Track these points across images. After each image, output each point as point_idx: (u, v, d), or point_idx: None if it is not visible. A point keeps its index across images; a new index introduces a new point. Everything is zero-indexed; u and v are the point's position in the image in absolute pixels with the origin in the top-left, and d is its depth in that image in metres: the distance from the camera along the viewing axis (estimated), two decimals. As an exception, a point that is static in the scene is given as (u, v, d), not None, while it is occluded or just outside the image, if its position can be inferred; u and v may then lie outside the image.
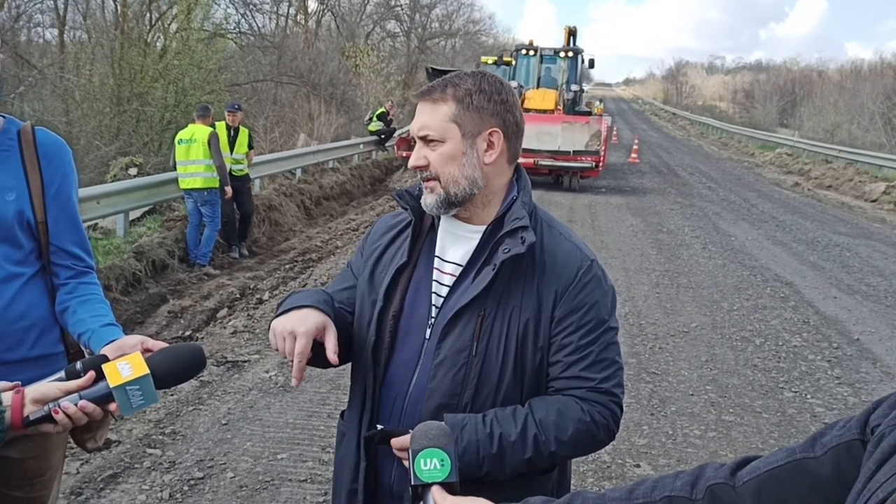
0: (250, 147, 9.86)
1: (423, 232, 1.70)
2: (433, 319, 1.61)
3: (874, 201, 17.36)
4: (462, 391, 1.56)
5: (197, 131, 8.79)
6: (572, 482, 4.15)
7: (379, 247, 1.74)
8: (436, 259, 1.65)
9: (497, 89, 1.60)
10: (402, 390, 1.61)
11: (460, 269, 1.62)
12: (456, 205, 1.59)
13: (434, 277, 1.64)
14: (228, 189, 8.99)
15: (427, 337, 1.61)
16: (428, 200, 1.60)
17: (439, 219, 1.67)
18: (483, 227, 1.62)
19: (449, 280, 1.62)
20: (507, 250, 1.54)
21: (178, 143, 8.89)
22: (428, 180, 1.59)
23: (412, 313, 1.64)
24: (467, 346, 1.56)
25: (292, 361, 1.53)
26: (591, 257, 1.63)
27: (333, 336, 1.56)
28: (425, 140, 1.58)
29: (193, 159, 8.72)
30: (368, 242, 1.78)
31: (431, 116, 1.58)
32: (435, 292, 1.63)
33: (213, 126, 9.00)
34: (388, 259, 1.70)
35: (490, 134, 1.59)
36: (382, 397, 1.65)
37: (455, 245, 1.65)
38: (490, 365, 1.56)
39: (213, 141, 8.76)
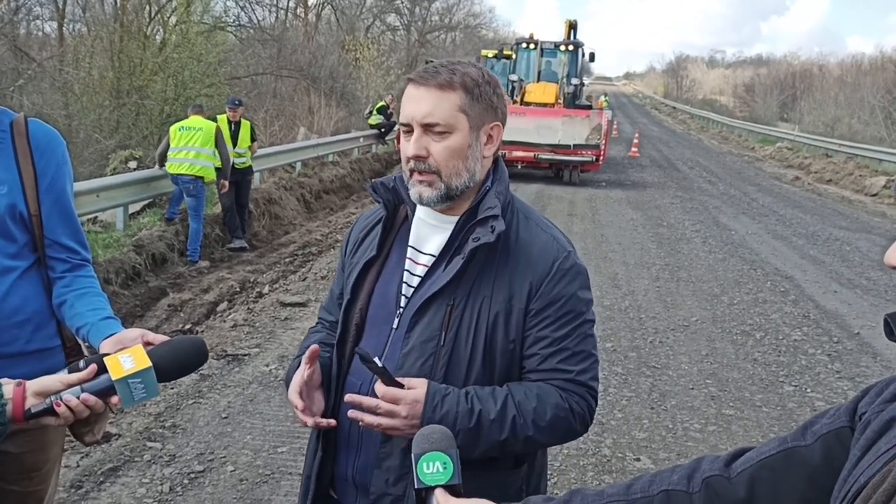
0: (253, 139, 9.84)
1: (395, 224, 1.68)
2: (402, 309, 1.60)
3: (874, 195, 17.34)
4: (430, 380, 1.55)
5: (201, 122, 8.83)
6: (573, 476, 4.16)
7: (356, 245, 1.73)
8: (410, 250, 1.63)
9: (496, 81, 1.60)
10: (366, 378, 1.59)
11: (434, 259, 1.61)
12: (454, 198, 1.56)
13: (406, 267, 1.62)
14: (226, 182, 8.99)
15: (394, 326, 1.60)
16: (425, 194, 1.54)
17: (414, 210, 1.65)
18: (457, 218, 1.60)
19: (422, 271, 1.61)
20: (476, 239, 1.52)
21: (180, 129, 8.82)
22: (424, 173, 1.53)
23: (381, 303, 1.63)
24: (436, 336, 1.54)
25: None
26: (567, 248, 1.61)
27: (299, 375, 1.59)
28: (429, 128, 1.52)
29: (191, 146, 8.70)
30: (349, 244, 1.77)
31: (438, 104, 1.50)
32: (406, 282, 1.61)
33: (214, 120, 9.06)
34: (361, 254, 1.69)
35: (492, 127, 1.58)
36: (346, 386, 1.64)
37: (431, 236, 1.62)
38: (458, 355, 1.55)
39: (219, 134, 8.81)
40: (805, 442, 1.05)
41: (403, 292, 1.61)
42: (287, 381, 1.66)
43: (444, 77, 1.52)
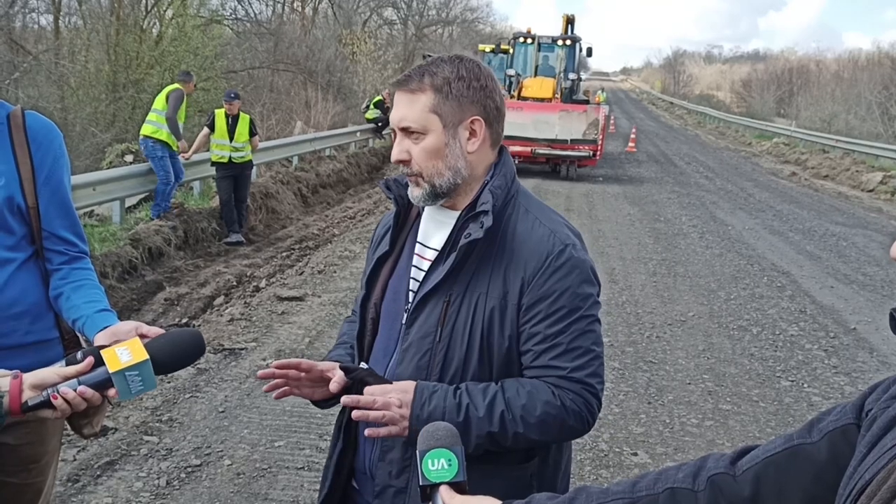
0: (253, 133, 9.77)
1: (409, 220, 1.71)
2: (409, 304, 1.62)
3: (871, 191, 17.36)
4: (426, 377, 1.55)
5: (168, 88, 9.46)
6: (570, 471, 4.14)
7: (377, 242, 1.77)
8: (417, 245, 1.66)
9: (475, 75, 1.57)
10: (380, 373, 1.61)
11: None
12: (442, 196, 1.58)
13: (414, 263, 1.65)
14: (182, 143, 9.39)
15: (403, 321, 1.62)
16: (415, 194, 1.59)
17: (424, 207, 1.67)
18: (458, 213, 1.62)
19: (427, 266, 1.63)
20: (467, 235, 1.53)
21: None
22: (411, 175, 1.58)
23: (393, 298, 1.66)
24: (432, 332, 1.56)
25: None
26: (565, 242, 1.56)
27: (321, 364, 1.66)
28: (406, 132, 1.56)
29: (153, 109, 9.22)
30: (373, 242, 1.80)
31: (410, 107, 1.54)
32: (413, 278, 1.64)
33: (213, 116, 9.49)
34: (375, 250, 1.74)
35: (472, 122, 1.57)
36: None
37: (436, 231, 1.65)
38: (454, 351, 1.55)
39: (172, 94, 9.26)
40: (811, 439, 1.04)
41: (411, 287, 1.63)
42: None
43: (415, 82, 1.55)
